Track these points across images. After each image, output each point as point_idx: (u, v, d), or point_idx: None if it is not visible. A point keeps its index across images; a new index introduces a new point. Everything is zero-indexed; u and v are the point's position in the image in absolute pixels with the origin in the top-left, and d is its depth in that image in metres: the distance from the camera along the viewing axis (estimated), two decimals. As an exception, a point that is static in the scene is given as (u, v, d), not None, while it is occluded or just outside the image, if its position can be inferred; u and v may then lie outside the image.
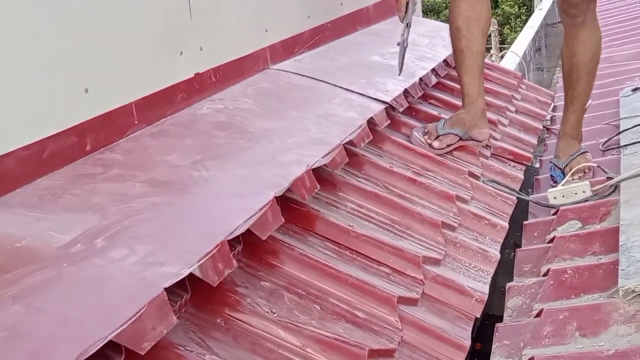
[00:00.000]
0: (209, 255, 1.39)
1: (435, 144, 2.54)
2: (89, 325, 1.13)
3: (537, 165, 3.07)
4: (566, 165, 2.63)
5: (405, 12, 2.54)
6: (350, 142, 2.17)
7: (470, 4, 2.46)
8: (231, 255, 1.45)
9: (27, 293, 1.18)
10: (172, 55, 2.15)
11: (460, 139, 2.59)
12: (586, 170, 2.58)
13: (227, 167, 1.83)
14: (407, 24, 2.56)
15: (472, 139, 2.62)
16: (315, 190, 1.87)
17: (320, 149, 2.03)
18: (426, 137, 2.56)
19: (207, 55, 2.31)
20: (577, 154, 2.63)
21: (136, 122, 1.97)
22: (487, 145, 2.76)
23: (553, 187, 2.51)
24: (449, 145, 2.57)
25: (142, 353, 1.15)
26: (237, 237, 1.53)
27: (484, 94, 2.62)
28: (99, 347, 1.07)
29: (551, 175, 2.70)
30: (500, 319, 1.90)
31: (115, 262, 1.31)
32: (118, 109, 1.90)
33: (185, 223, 1.54)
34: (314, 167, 1.89)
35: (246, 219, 1.56)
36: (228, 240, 1.46)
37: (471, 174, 2.50)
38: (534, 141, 3.13)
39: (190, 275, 1.47)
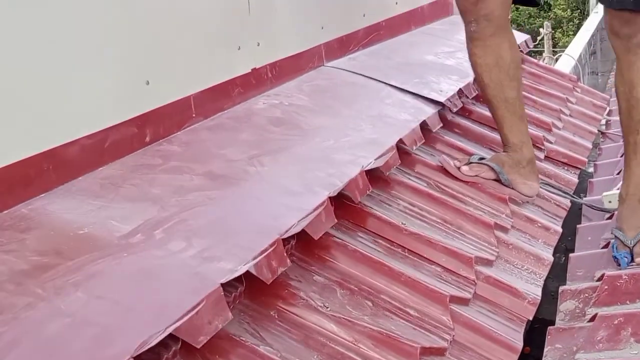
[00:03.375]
0: (265, 254, 1.41)
1: (465, 168, 2.24)
2: (148, 317, 1.16)
3: (591, 169, 3.02)
4: (636, 244, 2.00)
5: None
6: (403, 143, 2.17)
7: (483, 49, 2.18)
8: (285, 254, 1.47)
9: (89, 280, 1.22)
10: (231, 50, 2.18)
11: (496, 174, 2.24)
12: None
13: (282, 163, 1.85)
14: None
15: (516, 190, 2.27)
16: (368, 192, 1.89)
17: (373, 150, 2.03)
18: (456, 161, 2.27)
19: (264, 50, 2.33)
20: None
21: (194, 115, 2.00)
22: (540, 147, 2.73)
23: (618, 267, 2.00)
24: (477, 176, 2.24)
25: (198, 346, 1.17)
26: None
27: (530, 142, 2.31)
28: (158, 339, 1.09)
29: (614, 257, 2.02)
30: (549, 323, 1.88)
31: (174, 254, 1.34)
32: (177, 102, 1.93)
33: (241, 218, 1.56)
34: (367, 168, 1.90)
35: (300, 219, 1.57)
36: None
37: (525, 176, 2.47)
38: (589, 145, 3.09)
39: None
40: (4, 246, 1.31)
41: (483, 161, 2.27)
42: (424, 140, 2.33)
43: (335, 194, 1.73)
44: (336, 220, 1.70)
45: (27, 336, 1.05)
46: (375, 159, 1.97)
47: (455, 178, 2.22)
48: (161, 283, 1.26)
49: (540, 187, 2.46)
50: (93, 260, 1.28)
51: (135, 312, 1.17)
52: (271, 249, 1.43)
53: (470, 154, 2.36)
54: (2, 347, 1.02)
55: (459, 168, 2.21)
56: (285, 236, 1.50)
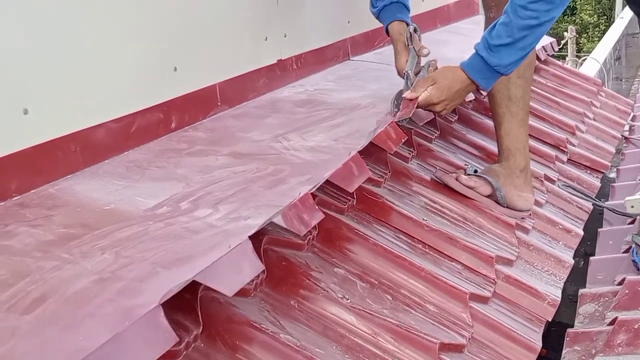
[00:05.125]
0: (292, 206, 1.39)
1: (463, 177, 2.11)
2: (175, 269, 1.15)
3: (613, 174, 3.00)
4: None
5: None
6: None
7: None
8: (316, 206, 1.45)
9: (115, 245, 1.22)
10: (257, 41, 2.18)
11: (493, 189, 2.12)
12: None
13: (308, 136, 1.85)
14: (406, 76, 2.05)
15: (508, 207, 2.14)
16: (401, 143, 1.89)
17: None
18: (452, 174, 2.15)
19: (290, 42, 2.34)
20: None
21: (219, 104, 2.00)
22: (564, 150, 2.72)
23: (638, 272, 1.99)
24: (474, 189, 2.11)
25: (230, 295, 1.16)
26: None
27: (527, 150, 2.20)
28: (183, 286, 1.08)
29: (634, 261, 2.04)
30: (565, 326, 1.87)
31: (200, 219, 1.33)
32: (203, 89, 1.94)
33: (268, 184, 1.55)
34: (398, 120, 1.90)
35: (328, 172, 1.57)
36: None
37: (547, 178, 2.47)
38: (612, 149, 3.07)
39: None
40: (31, 221, 1.32)
41: (480, 173, 2.16)
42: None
43: (367, 144, 1.75)
44: (369, 174, 1.70)
45: (54, 292, 1.06)
46: (405, 109, 1.95)
47: (452, 191, 2.08)
48: (187, 241, 1.25)
49: (563, 189, 2.45)
50: (119, 229, 1.28)
51: (162, 266, 1.16)
52: (299, 202, 1.42)
53: (464, 168, 2.23)
54: (29, 303, 1.03)
55: (456, 178, 2.11)
56: (314, 190, 1.49)
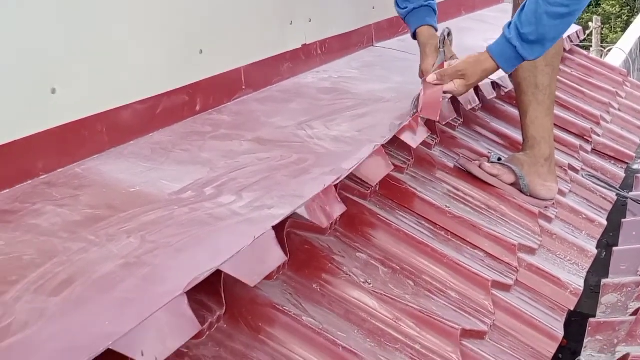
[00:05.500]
0: (316, 197, 1.40)
1: (487, 165, 2.10)
2: (199, 257, 1.16)
3: (638, 165, 2.98)
4: None
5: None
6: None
7: None
8: (339, 199, 1.46)
9: (141, 228, 1.23)
10: (283, 24, 2.18)
11: (516, 178, 2.11)
12: None
13: (332, 125, 1.85)
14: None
15: (531, 195, 2.12)
16: (426, 136, 1.90)
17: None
18: (475, 161, 2.14)
19: (315, 27, 2.33)
20: None
21: (244, 87, 2.01)
22: (588, 140, 2.70)
23: None
24: (498, 177, 2.09)
25: (252, 285, 1.17)
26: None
27: (552, 139, 2.18)
28: (208, 274, 1.10)
29: None
30: (586, 317, 1.86)
31: (224, 205, 1.34)
32: (228, 73, 1.94)
33: (292, 173, 1.56)
34: (421, 114, 1.91)
35: (353, 165, 1.57)
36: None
37: (571, 167, 2.45)
38: (637, 140, 3.04)
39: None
40: (58, 201, 1.33)
41: (503, 161, 2.14)
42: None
43: (390, 138, 1.75)
44: (393, 167, 1.71)
45: (81, 275, 1.07)
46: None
47: (475, 178, 2.07)
48: (212, 229, 1.26)
49: (587, 179, 2.44)
50: (145, 212, 1.29)
51: (186, 253, 1.17)
52: (322, 192, 1.43)
53: (488, 155, 2.22)
54: (57, 285, 1.04)
55: (480, 165, 2.09)
56: (338, 182, 1.50)
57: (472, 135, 2.44)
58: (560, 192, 2.26)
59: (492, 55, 1.89)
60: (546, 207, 2.13)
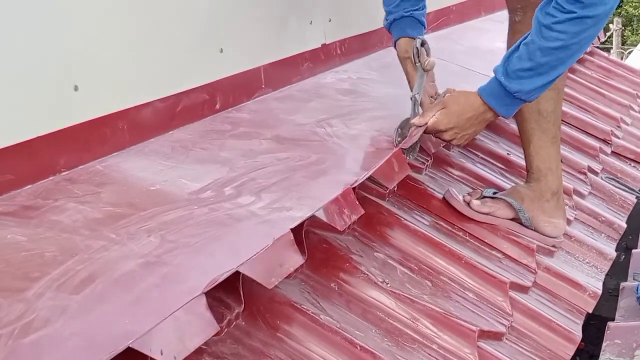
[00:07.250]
0: (334, 201, 1.41)
1: (475, 203, 1.86)
2: (218, 258, 1.18)
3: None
4: None
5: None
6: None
7: None
8: (357, 202, 1.47)
9: (161, 227, 1.24)
10: (302, 24, 2.19)
11: (515, 212, 1.87)
12: None
13: (352, 123, 1.85)
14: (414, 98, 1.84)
15: (537, 231, 1.89)
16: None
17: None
18: (466, 195, 1.89)
19: (334, 27, 2.34)
20: None
21: (263, 86, 2.01)
22: (608, 142, 2.68)
23: None
24: (490, 214, 1.86)
25: (270, 287, 1.19)
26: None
27: (559, 170, 1.94)
28: (226, 276, 1.11)
29: None
30: (604, 320, 1.85)
31: (243, 206, 1.35)
32: (248, 72, 1.95)
33: (311, 175, 1.57)
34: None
35: (371, 169, 1.58)
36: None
37: (590, 169, 2.44)
38: (658, 143, 3.02)
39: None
40: (79, 198, 1.35)
41: (499, 195, 1.90)
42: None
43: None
44: (410, 170, 1.71)
45: (102, 273, 1.08)
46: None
47: (463, 216, 1.85)
48: (231, 229, 1.28)
49: (606, 181, 2.42)
50: (165, 211, 1.31)
51: (206, 253, 1.19)
52: (340, 195, 1.44)
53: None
54: (78, 283, 1.05)
55: (468, 203, 1.86)
56: (356, 185, 1.51)
57: (492, 137, 2.43)
58: (580, 194, 2.25)
59: (480, 95, 1.72)
60: (553, 245, 1.92)
